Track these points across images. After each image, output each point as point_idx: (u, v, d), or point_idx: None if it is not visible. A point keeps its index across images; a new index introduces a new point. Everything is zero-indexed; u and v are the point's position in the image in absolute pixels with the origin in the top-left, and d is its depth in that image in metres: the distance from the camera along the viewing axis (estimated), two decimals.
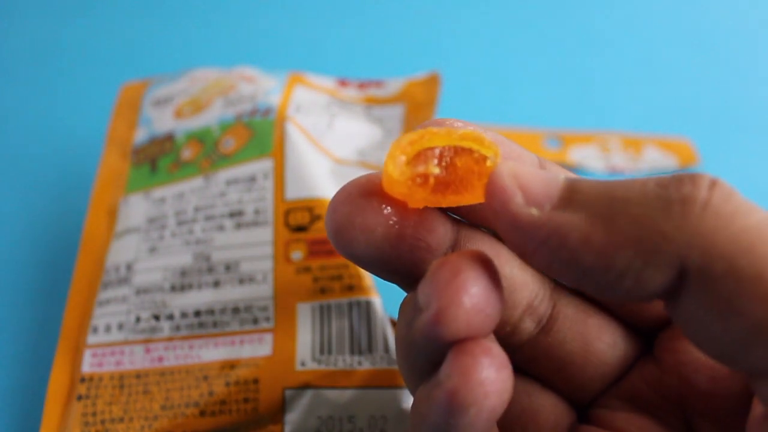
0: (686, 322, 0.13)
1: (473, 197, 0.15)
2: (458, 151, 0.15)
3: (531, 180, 0.14)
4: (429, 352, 0.15)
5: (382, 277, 0.17)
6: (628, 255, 0.13)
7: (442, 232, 0.16)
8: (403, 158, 0.15)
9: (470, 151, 0.15)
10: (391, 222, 0.15)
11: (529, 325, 0.18)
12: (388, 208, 0.15)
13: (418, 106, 0.33)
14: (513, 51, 0.45)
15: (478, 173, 0.15)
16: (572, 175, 0.15)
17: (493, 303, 0.14)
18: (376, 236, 0.15)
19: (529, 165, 0.14)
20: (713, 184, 0.13)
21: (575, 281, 0.14)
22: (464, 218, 0.17)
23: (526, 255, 0.14)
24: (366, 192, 0.15)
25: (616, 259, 0.13)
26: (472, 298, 0.14)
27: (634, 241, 0.13)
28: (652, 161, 0.38)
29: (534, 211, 0.14)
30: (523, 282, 0.17)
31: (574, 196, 0.14)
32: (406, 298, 0.16)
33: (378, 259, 0.15)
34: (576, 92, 0.42)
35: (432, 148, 0.15)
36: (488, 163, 0.15)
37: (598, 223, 0.13)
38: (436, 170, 0.15)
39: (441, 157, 0.15)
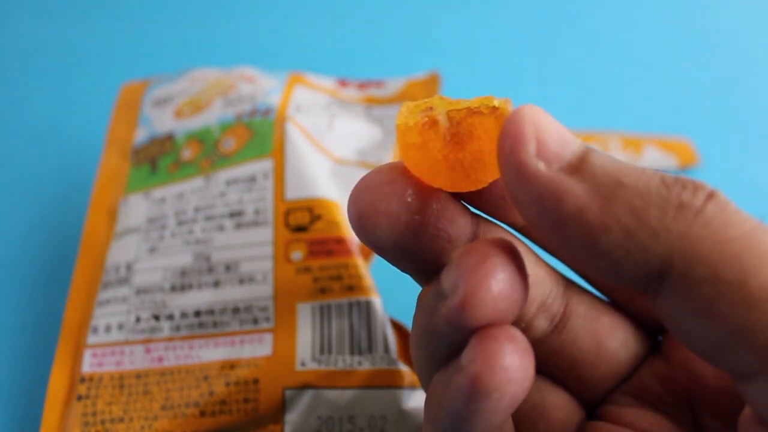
0: (668, 319, 0.14)
1: (492, 139, 0.15)
2: (469, 112, 0.15)
3: (549, 134, 0.14)
4: (451, 340, 0.15)
5: (399, 267, 0.17)
6: (614, 240, 0.13)
7: (462, 223, 0.16)
8: (406, 109, 0.15)
9: (479, 111, 0.15)
10: (414, 210, 0.15)
11: (542, 323, 0.18)
12: (412, 196, 0.15)
13: None
14: (513, 51, 0.45)
15: (493, 114, 0.15)
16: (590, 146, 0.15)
17: (518, 289, 0.14)
18: (399, 223, 0.15)
19: (554, 123, 0.14)
20: (711, 194, 0.13)
21: (555, 245, 0.14)
22: (483, 211, 0.17)
23: (518, 204, 0.14)
24: (390, 179, 0.15)
25: (601, 239, 0.13)
26: (499, 283, 0.14)
27: (624, 229, 0.13)
28: (652, 161, 0.38)
29: (541, 166, 0.14)
30: (537, 279, 0.17)
31: (583, 165, 0.14)
32: (424, 289, 0.16)
33: (399, 246, 0.16)
34: (576, 92, 0.42)
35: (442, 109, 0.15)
36: (495, 103, 0.15)
37: (597, 200, 0.13)
38: (443, 113, 0.15)
39: (451, 117, 0.15)
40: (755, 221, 0.13)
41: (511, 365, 0.14)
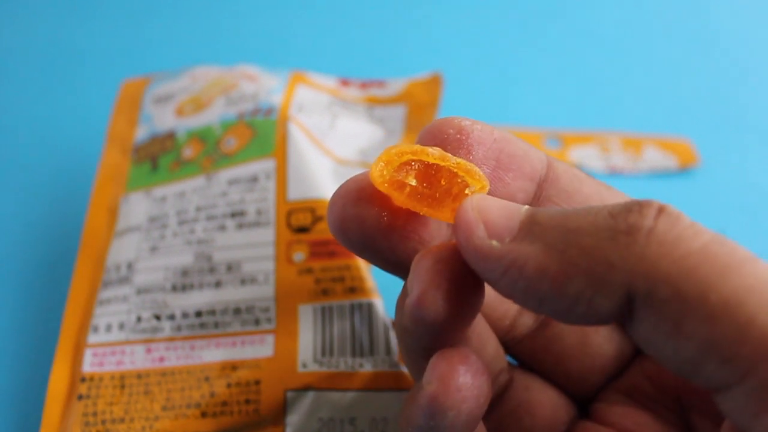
0: (642, 342, 0.14)
1: (444, 216, 0.16)
2: (448, 170, 0.16)
3: (493, 213, 0.15)
4: (417, 337, 0.16)
5: (384, 269, 0.18)
6: (579, 284, 0.13)
7: (434, 225, 0.17)
8: (382, 164, 0.16)
9: (457, 174, 0.16)
10: (383, 214, 0.16)
11: (527, 320, 0.19)
12: (379, 202, 0.16)
13: (419, 106, 0.32)
14: (514, 51, 0.45)
15: (454, 196, 0.16)
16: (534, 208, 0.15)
17: (472, 288, 0.15)
18: (368, 226, 0.16)
19: (497, 202, 0.15)
20: (660, 211, 0.13)
21: (535, 308, 0.15)
22: None
23: (490, 283, 0.15)
24: (363, 187, 0.16)
25: (568, 287, 0.14)
26: (452, 282, 0.15)
27: (584, 270, 0.13)
28: (652, 161, 0.38)
29: (495, 244, 0.14)
30: None
31: (532, 227, 0.14)
32: (402, 290, 0.17)
33: (371, 247, 0.17)
34: (576, 92, 0.42)
35: (422, 161, 0.16)
36: (467, 191, 0.16)
37: (553, 253, 0.14)
38: (413, 182, 0.16)
39: (429, 169, 0.16)
40: (711, 234, 0.13)
41: (464, 385, 0.15)
